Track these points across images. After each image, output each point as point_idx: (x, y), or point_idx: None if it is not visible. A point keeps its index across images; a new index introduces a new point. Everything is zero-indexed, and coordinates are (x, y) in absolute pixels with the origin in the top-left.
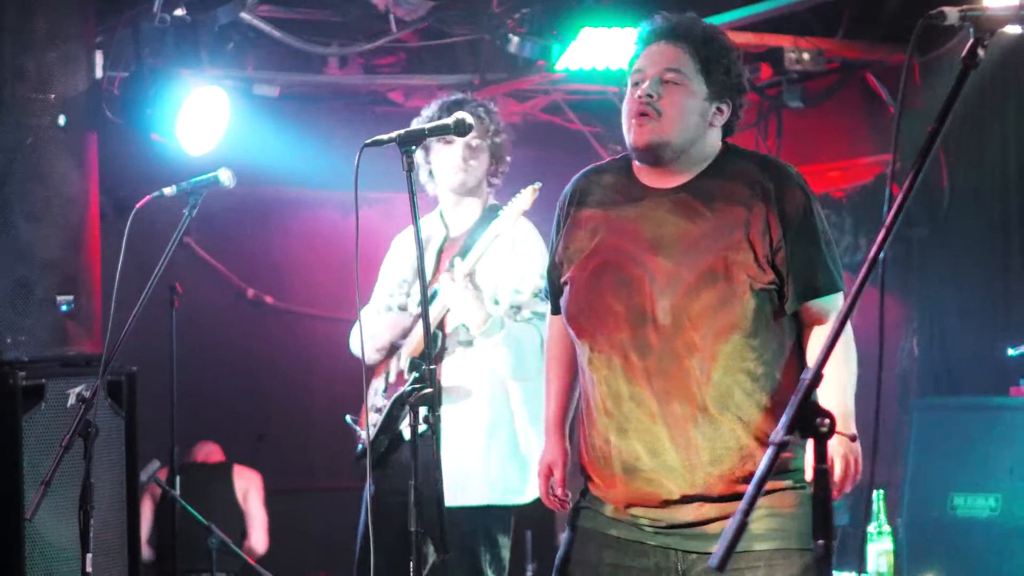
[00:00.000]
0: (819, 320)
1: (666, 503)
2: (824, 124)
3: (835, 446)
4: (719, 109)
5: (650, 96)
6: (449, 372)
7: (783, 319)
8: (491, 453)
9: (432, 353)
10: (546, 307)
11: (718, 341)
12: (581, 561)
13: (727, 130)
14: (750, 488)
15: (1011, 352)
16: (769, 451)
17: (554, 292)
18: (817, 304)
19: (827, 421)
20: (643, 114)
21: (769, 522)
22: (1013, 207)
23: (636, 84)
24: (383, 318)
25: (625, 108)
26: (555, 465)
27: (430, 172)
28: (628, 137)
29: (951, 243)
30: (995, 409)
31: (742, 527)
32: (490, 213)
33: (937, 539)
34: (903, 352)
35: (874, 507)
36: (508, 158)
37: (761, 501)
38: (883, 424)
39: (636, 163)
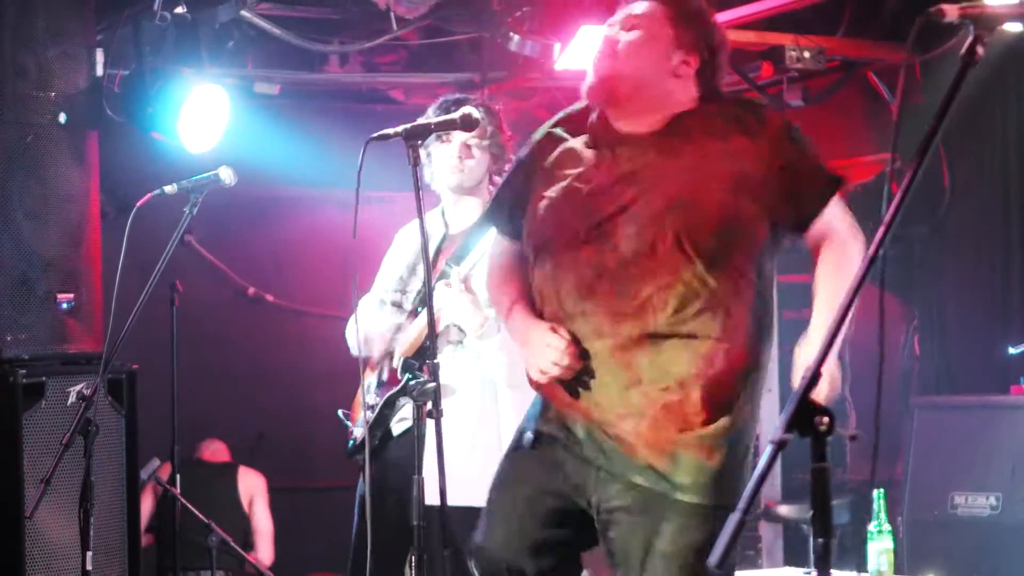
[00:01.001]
0: (826, 236)
1: (600, 418)
2: (825, 122)
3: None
4: (686, 61)
5: (614, 38)
6: (447, 368)
7: (751, 254)
8: (476, 455)
9: (435, 350)
10: None
11: (678, 270)
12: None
13: (708, 86)
14: (750, 485)
15: (1012, 351)
16: (768, 449)
17: (506, 214)
18: (816, 226)
19: (826, 419)
20: (600, 54)
21: (696, 474)
22: (1014, 205)
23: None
24: (381, 312)
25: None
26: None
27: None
28: (587, 78)
29: (951, 241)
30: (995, 408)
31: (742, 524)
32: None
33: (937, 538)
34: (903, 350)
35: (875, 506)
36: (509, 156)
37: (690, 445)
38: (883, 422)
39: (603, 109)
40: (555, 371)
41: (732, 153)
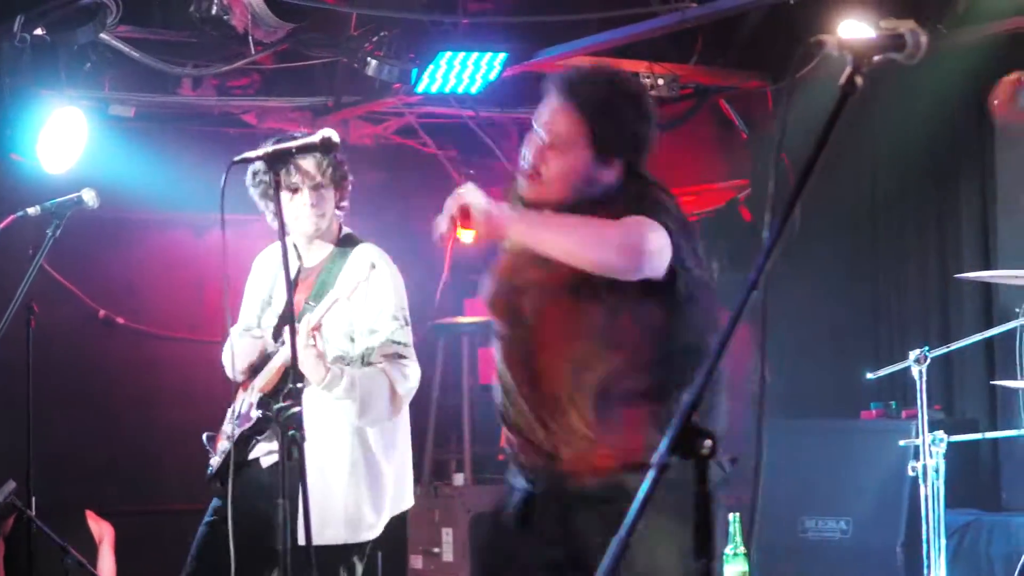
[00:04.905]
0: None
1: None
2: (678, 149)
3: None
4: (606, 164)
5: (533, 160)
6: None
7: (637, 320)
8: (349, 492)
9: (298, 374)
10: (401, 348)
11: (571, 344)
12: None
13: (632, 166)
14: (633, 508)
15: (869, 376)
16: (650, 473)
17: None
18: None
19: (708, 443)
20: (528, 174)
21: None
22: (864, 234)
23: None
24: (243, 340)
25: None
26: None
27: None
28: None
29: (800, 269)
30: (845, 432)
31: (625, 547)
32: (345, 242)
33: (788, 562)
34: (752, 375)
35: (730, 529)
36: (350, 177)
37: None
38: (735, 446)
39: None
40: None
41: None
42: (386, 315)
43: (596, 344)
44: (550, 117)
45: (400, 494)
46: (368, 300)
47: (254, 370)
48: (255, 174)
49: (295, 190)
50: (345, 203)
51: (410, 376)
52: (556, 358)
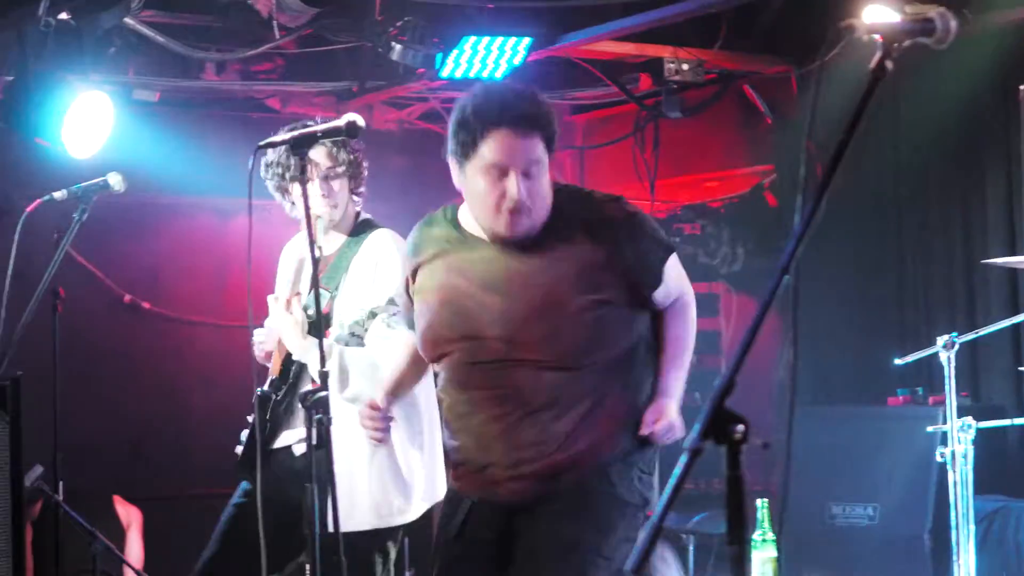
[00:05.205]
0: (668, 296)
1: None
2: (702, 134)
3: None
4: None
5: (522, 198)
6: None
7: (617, 336)
8: (373, 477)
9: (324, 358)
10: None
11: (545, 369)
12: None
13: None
14: (666, 492)
15: (897, 361)
16: (683, 457)
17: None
18: (659, 289)
19: (740, 428)
20: (516, 211)
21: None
22: (890, 215)
23: (498, 178)
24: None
25: (485, 199)
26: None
27: (292, 204)
28: (494, 225)
29: (827, 254)
30: (872, 418)
31: (658, 532)
32: (360, 228)
33: (815, 548)
34: (780, 361)
35: (758, 515)
36: (364, 164)
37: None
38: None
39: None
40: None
41: (580, 254)
42: (383, 299)
43: (591, 346)
44: (522, 152)
45: (432, 479)
46: (375, 284)
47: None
48: (268, 165)
49: (310, 180)
50: (361, 190)
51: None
52: (542, 368)
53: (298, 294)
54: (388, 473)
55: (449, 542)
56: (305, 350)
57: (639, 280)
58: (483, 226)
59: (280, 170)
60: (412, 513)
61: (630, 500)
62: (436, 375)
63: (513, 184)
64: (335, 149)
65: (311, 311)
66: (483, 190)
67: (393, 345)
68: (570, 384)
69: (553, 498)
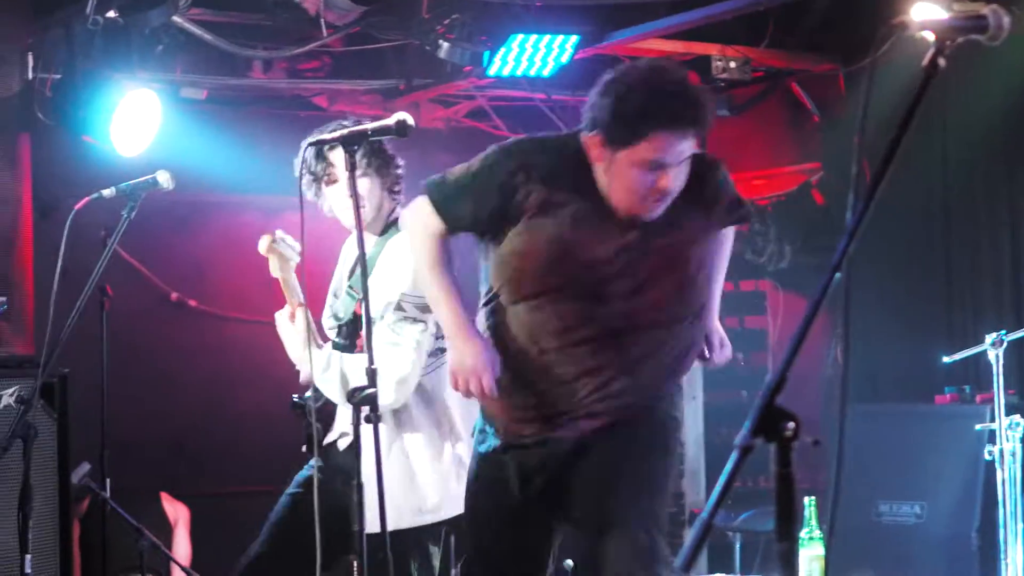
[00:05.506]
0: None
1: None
2: (749, 132)
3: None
4: None
5: (672, 192)
6: None
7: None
8: (398, 476)
9: (372, 354)
10: (395, 337)
11: (655, 327)
12: None
13: None
14: (717, 489)
15: (946, 359)
16: (734, 455)
17: (460, 214)
18: None
19: (791, 425)
20: (662, 200)
21: None
22: (937, 214)
23: (651, 169)
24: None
25: (634, 187)
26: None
27: (329, 206)
28: (636, 209)
29: (875, 252)
30: (920, 416)
31: (708, 529)
32: (387, 229)
33: (862, 546)
34: (828, 359)
35: (805, 513)
36: (396, 161)
37: None
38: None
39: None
40: (465, 392)
41: (692, 217)
42: (392, 303)
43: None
44: (683, 151)
45: (461, 476)
46: (383, 287)
47: None
48: (302, 164)
49: (334, 181)
50: (398, 188)
51: (398, 365)
52: (659, 316)
53: (302, 304)
54: (409, 469)
55: (501, 503)
56: (304, 361)
57: (725, 226)
58: (621, 207)
59: (316, 168)
60: (447, 509)
61: (681, 419)
62: (500, 317)
63: (667, 179)
64: (359, 151)
65: (341, 314)
66: (634, 179)
67: (402, 351)
68: (669, 338)
69: (621, 424)
